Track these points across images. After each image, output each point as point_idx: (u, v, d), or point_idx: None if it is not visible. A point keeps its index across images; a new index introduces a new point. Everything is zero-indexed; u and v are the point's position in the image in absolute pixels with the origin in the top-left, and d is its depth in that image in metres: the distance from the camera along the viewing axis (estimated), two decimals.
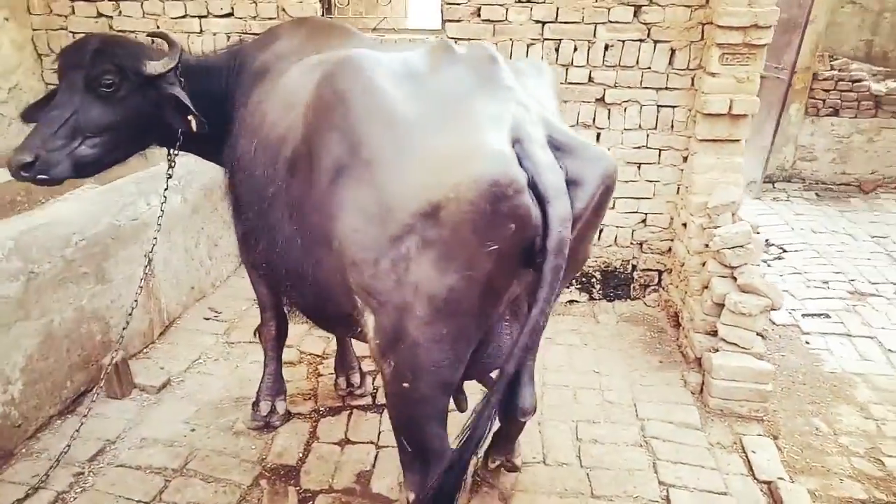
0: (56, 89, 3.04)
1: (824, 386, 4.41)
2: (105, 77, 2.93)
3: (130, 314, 3.59)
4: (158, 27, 5.30)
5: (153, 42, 3.33)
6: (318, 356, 4.54)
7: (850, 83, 7.95)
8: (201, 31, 5.27)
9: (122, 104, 3.01)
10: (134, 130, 3.13)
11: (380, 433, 3.76)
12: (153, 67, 3.02)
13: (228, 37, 5.22)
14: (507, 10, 4.80)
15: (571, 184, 2.01)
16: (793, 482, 3.43)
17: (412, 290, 2.03)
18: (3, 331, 3.38)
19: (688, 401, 4.05)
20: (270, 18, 5.12)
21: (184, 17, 5.26)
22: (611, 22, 4.71)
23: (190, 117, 3.07)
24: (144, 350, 4.50)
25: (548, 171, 1.93)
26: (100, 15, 5.42)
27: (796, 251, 6.59)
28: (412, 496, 2.43)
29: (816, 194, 8.31)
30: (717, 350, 4.07)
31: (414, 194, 1.97)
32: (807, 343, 4.95)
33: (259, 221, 2.80)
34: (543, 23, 4.79)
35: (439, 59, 2.25)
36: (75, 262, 3.83)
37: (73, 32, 5.49)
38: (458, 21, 4.89)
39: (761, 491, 3.38)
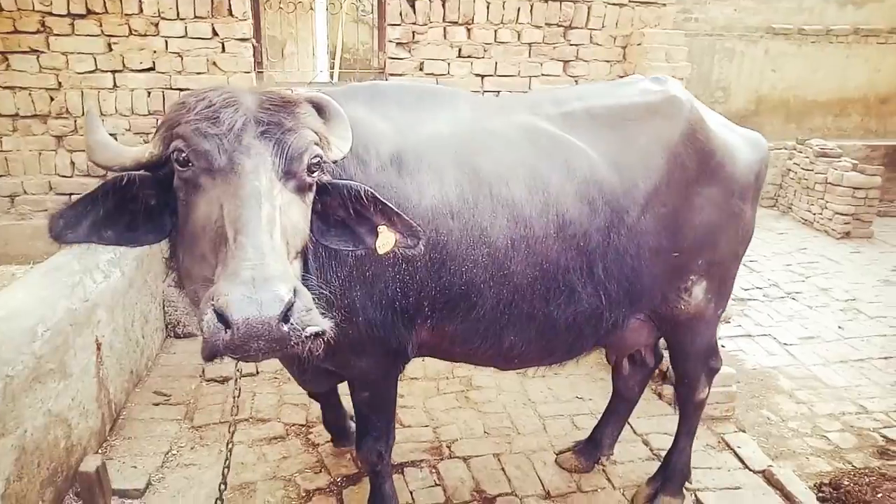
0: (148, 178, 1.92)
1: (755, 381, 5.13)
2: (315, 158, 1.91)
3: None
4: (60, 84, 4.72)
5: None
6: (302, 426, 4.26)
7: None
8: (115, 86, 4.78)
9: (309, 204, 2.00)
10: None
11: (412, 493, 3.65)
12: (339, 149, 2.10)
13: (149, 93, 4.80)
14: (448, 64, 5.03)
15: None
16: (780, 467, 3.96)
17: (743, 237, 3.13)
18: None
19: (669, 411, 4.46)
20: (199, 73, 4.81)
21: (93, 71, 4.73)
22: (544, 75, 5.16)
23: (389, 231, 2.08)
24: (101, 450, 3.89)
25: None
26: None
27: None
28: (707, 391, 3.53)
29: None
30: None
31: (750, 171, 3.03)
32: (723, 347, 5.66)
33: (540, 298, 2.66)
34: (483, 76, 5.09)
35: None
36: (43, 357, 3.26)
37: None
38: (401, 75, 5.00)
39: (761, 479, 3.86)
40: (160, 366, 4.95)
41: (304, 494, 3.60)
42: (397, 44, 4.94)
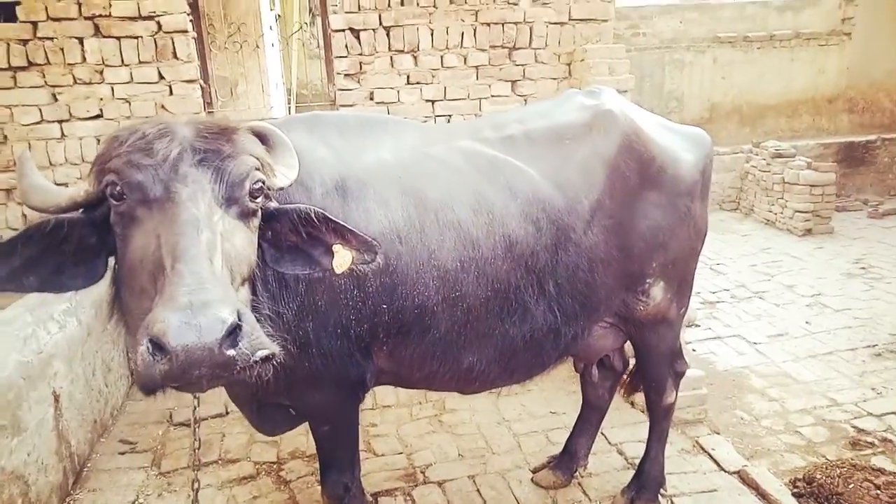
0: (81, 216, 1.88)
1: (726, 383, 5.16)
2: (257, 183, 1.90)
3: None
4: (6, 137, 4.67)
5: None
6: (273, 463, 4.17)
7: None
8: (63, 135, 4.74)
9: (255, 230, 1.96)
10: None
11: None
12: (284, 176, 2.09)
13: (98, 140, 4.76)
14: (398, 91, 5.08)
15: None
16: (755, 466, 3.96)
17: (696, 234, 3.13)
18: None
19: (641, 419, 4.44)
20: (148, 117, 4.79)
21: (39, 123, 4.69)
22: (493, 96, 5.23)
23: (345, 249, 2.04)
24: None
25: None
26: None
27: None
28: (675, 395, 3.52)
29: None
30: None
31: (695, 169, 3.05)
32: (693, 350, 5.72)
33: (493, 318, 2.66)
34: (433, 101, 5.15)
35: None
36: None
37: None
38: (352, 105, 5.04)
39: (737, 480, 3.85)
40: (126, 413, 4.84)
41: None
42: (345, 75, 4.98)
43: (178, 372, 1.44)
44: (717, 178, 10.37)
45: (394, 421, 4.62)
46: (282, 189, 2.08)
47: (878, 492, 3.63)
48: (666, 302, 3.12)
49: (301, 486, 3.91)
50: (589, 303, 2.87)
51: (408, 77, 5.08)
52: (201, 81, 4.90)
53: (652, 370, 3.40)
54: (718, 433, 4.38)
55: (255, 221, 1.95)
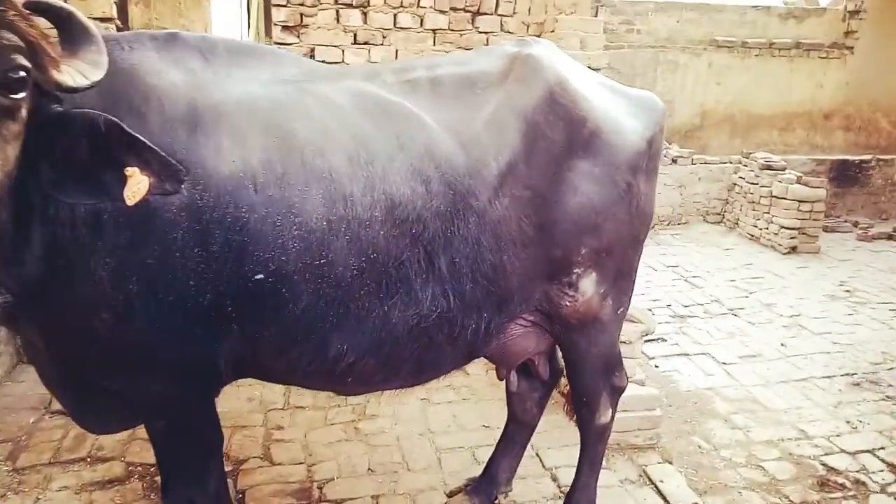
0: None
1: (687, 405, 4.61)
2: (16, 72, 1.44)
3: None
4: None
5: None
6: (151, 466, 3.56)
7: None
8: None
9: (14, 136, 1.52)
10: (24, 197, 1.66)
11: None
12: (80, 73, 1.59)
13: None
14: (343, 51, 4.51)
15: None
16: None
17: (639, 218, 2.59)
18: None
19: None
20: None
21: None
22: None
23: (141, 174, 1.60)
24: None
25: None
26: None
27: None
28: (610, 413, 2.90)
29: None
30: None
31: (640, 137, 2.51)
32: (656, 367, 5.18)
33: (372, 293, 2.14)
34: None
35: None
36: None
37: None
38: None
39: None
40: (1, 396, 4.23)
41: None
42: (283, 27, 4.40)
43: None
44: (703, 188, 9.88)
45: (304, 425, 4.03)
46: (74, 91, 1.59)
47: None
48: (598, 298, 2.56)
49: None
50: (497, 291, 2.33)
51: (355, 35, 4.51)
52: (118, 22, 4.29)
53: (582, 381, 2.83)
54: (671, 462, 3.82)
55: (13, 126, 1.49)
